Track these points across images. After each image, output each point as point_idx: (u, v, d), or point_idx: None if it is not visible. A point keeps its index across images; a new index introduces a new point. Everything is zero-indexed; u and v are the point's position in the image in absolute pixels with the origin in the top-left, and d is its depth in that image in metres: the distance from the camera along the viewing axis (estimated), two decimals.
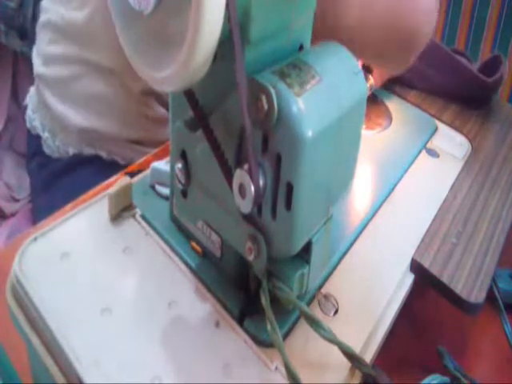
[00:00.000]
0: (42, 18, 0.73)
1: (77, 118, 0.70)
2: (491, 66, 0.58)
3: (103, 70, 0.68)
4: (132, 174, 0.38)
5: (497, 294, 0.42)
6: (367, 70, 0.46)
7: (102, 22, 0.65)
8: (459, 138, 0.51)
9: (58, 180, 0.72)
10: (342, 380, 0.29)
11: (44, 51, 0.73)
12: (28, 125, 0.77)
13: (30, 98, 0.78)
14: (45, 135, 0.73)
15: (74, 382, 0.27)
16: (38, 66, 0.74)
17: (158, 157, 0.53)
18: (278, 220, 0.26)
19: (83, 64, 0.68)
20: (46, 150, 0.74)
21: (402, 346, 0.38)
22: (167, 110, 0.66)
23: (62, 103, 0.71)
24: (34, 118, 0.76)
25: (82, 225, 0.35)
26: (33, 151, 0.77)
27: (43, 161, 0.74)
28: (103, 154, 0.72)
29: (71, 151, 0.72)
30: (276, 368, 0.28)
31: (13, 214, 0.93)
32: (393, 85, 0.56)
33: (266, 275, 0.28)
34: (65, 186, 0.71)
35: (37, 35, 0.75)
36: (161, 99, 0.71)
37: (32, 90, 0.79)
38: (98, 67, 0.68)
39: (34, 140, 0.75)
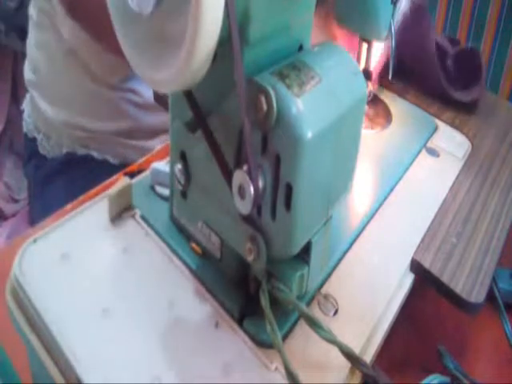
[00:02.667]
0: (30, 23, 0.75)
1: (64, 115, 0.73)
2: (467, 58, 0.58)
3: (81, 63, 0.69)
4: (132, 175, 0.38)
5: (497, 293, 0.42)
6: (366, 76, 0.46)
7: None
8: (459, 137, 0.51)
9: (54, 180, 0.74)
10: (342, 380, 0.29)
11: (31, 58, 0.76)
12: (25, 129, 0.79)
13: (27, 103, 0.81)
14: (39, 137, 0.75)
15: (74, 383, 0.27)
16: (28, 74, 0.77)
17: (158, 157, 0.53)
18: (278, 221, 0.26)
19: (62, 54, 0.70)
20: (42, 151, 0.76)
21: (402, 346, 0.38)
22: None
23: (50, 104, 0.74)
24: (29, 122, 0.78)
25: (82, 226, 0.35)
26: (29, 154, 0.79)
27: (39, 162, 0.77)
28: (95, 154, 0.74)
29: (65, 151, 0.74)
30: (276, 368, 0.28)
31: (13, 215, 0.93)
32: (393, 84, 0.56)
33: (265, 276, 0.28)
34: (60, 185, 0.73)
35: (27, 42, 0.77)
36: None
37: (28, 95, 0.81)
38: (76, 59, 0.69)
39: (31, 143, 0.78)
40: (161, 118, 0.76)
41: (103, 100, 0.72)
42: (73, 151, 0.74)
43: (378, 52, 0.48)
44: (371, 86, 0.47)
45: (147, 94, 0.73)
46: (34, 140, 0.77)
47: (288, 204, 0.25)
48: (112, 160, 0.75)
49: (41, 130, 0.76)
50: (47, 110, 0.73)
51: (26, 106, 0.81)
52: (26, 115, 0.80)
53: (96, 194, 0.37)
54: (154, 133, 0.76)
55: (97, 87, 0.71)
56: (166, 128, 0.75)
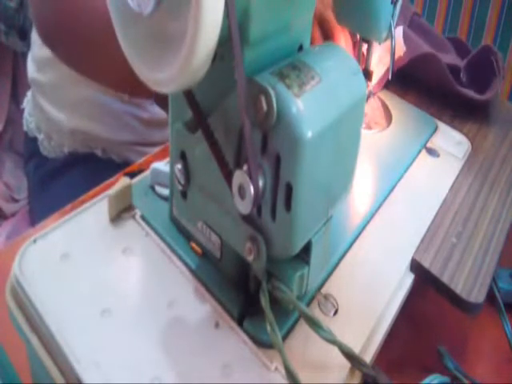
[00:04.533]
0: None
1: (69, 121, 0.72)
2: (482, 58, 0.58)
3: None
4: (132, 175, 0.38)
5: (497, 293, 0.42)
6: (366, 76, 0.46)
7: None
8: (459, 137, 0.51)
9: (55, 179, 0.73)
10: (342, 380, 0.29)
11: (37, 56, 0.74)
12: (25, 128, 0.78)
13: (28, 102, 0.80)
14: (41, 137, 0.75)
15: (74, 383, 0.27)
16: (32, 72, 0.75)
17: (158, 157, 0.53)
18: (278, 221, 0.26)
19: None
20: (43, 151, 0.75)
21: (402, 346, 0.38)
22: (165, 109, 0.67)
23: (54, 107, 0.73)
24: (30, 121, 0.77)
25: (82, 226, 0.35)
26: (30, 153, 0.78)
27: (40, 162, 0.76)
28: (98, 153, 0.73)
29: (66, 150, 0.74)
30: (276, 368, 0.28)
31: (12, 215, 0.93)
32: (393, 84, 0.56)
33: (265, 276, 0.28)
34: (61, 185, 0.72)
35: (31, 39, 0.76)
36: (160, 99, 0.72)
37: (29, 94, 0.80)
38: None
39: (31, 142, 0.77)
40: (165, 134, 0.75)
41: (108, 110, 0.71)
42: (75, 151, 0.74)
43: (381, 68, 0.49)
44: (371, 87, 0.47)
45: (153, 109, 0.73)
46: (34, 140, 0.76)
47: (288, 204, 0.25)
48: (116, 159, 0.75)
49: (42, 129, 0.75)
50: (50, 110, 0.72)
51: (26, 104, 0.80)
52: (26, 114, 0.79)
53: (96, 194, 0.37)
54: (158, 144, 0.76)
55: (102, 95, 0.70)
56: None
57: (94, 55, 0.56)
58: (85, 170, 0.73)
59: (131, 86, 0.51)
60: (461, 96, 0.54)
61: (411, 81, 0.56)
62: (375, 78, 0.52)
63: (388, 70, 0.52)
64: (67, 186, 0.71)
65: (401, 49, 0.54)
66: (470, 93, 0.55)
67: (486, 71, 0.57)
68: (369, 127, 0.50)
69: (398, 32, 0.54)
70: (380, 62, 0.50)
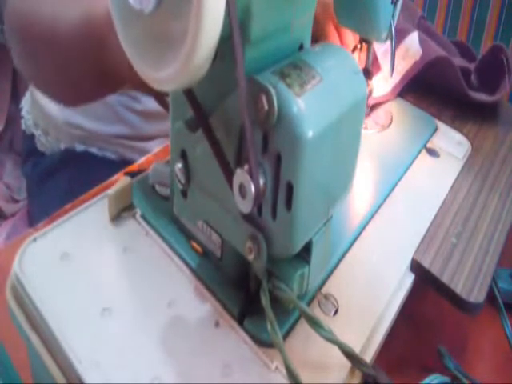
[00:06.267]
0: None
1: (63, 114, 0.72)
2: (492, 59, 0.58)
3: None
4: (132, 174, 0.38)
5: (497, 293, 0.42)
6: (367, 75, 0.46)
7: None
8: (459, 138, 0.51)
9: (52, 176, 0.74)
10: (342, 380, 0.29)
11: None
12: (23, 126, 0.79)
13: (26, 101, 0.80)
14: (38, 133, 0.75)
15: (74, 382, 0.27)
16: None
17: (159, 157, 0.53)
18: (278, 220, 0.26)
19: None
20: (40, 148, 0.76)
21: (402, 346, 0.38)
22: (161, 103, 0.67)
23: (50, 101, 0.72)
24: (28, 119, 0.78)
25: (82, 225, 0.35)
26: (27, 152, 0.79)
27: (37, 160, 0.76)
28: (94, 150, 0.74)
29: (63, 146, 0.74)
30: (276, 368, 0.28)
31: (12, 215, 0.93)
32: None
33: (266, 275, 0.28)
34: (58, 182, 0.73)
35: None
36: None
37: (28, 94, 0.81)
38: None
39: (29, 140, 0.78)
40: (158, 127, 0.75)
41: (103, 102, 0.71)
42: (71, 147, 0.74)
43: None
44: (372, 86, 0.47)
45: (147, 102, 0.73)
46: (32, 137, 0.77)
47: (289, 203, 0.25)
48: (112, 156, 0.75)
49: (40, 125, 0.76)
50: (47, 105, 0.73)
51: (25, 102, 0.81)
52: (24, 112, 0.80)
53: (96, 194, 0.37)
54: (151, 138, 0.76)
55: None
56: (163, 135, 0.75)
57: (37, 60, 0.50)
58: (81, 168, 0.73)
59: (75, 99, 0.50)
60: (473, 101, 0.54)
61: (411, 81, 0.56)
62: (389, 85, 0.52)
63: (403, 77, 0.52)
64: (65, 182, 0.72)
65: (417, 53, 0.54)
66: (482, 97, 0.55)
67: (496, 71, 0.57)
68: (369, 127, 0.50)
69: (414, 37, 0.54)
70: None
